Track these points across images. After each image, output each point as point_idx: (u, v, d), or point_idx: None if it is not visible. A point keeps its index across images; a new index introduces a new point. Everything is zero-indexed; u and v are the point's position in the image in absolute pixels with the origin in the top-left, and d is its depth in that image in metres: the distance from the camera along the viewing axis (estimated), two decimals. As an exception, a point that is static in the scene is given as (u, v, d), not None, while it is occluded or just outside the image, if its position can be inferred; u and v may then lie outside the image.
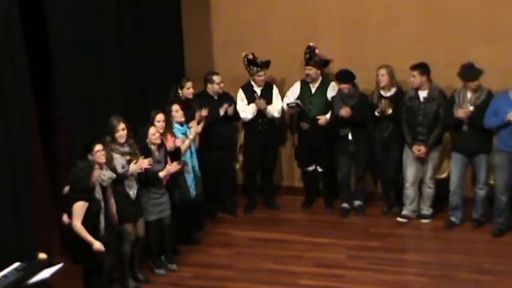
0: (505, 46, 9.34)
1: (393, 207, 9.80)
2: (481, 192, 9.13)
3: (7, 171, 7.01)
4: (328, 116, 9.65)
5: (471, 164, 9.18)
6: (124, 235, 7.94)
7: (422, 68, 9.08)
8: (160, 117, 8.26)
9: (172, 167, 8.23)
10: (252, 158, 10.01)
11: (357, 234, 9.29)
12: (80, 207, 7.10)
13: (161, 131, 8.22)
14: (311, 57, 9.63)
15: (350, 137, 9.53)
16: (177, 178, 8.49)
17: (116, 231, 7.82)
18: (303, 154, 10.05)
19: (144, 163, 7.83)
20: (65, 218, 7.31)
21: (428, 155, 9.24)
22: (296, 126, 10.10)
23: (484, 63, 8.86)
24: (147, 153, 8.00)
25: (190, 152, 8.82)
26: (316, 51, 9.62)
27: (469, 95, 8.92)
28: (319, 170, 10.01)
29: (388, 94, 9.38)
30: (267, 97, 9.79)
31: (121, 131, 7.78)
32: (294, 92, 9.87)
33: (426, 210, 9.53)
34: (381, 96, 9.35)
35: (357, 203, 9.95)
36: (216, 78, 9.49)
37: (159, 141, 8.14)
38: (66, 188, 7.42)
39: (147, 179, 8.03)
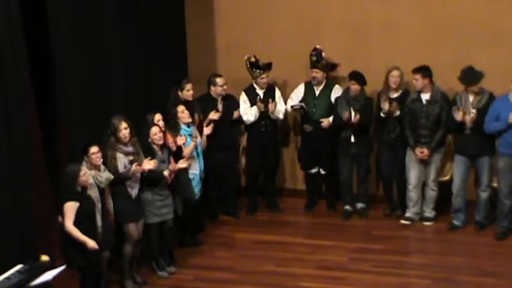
0: (508, 49, 9.32)
1: (395, 210, 9.79)
2: (484, 195, 9.13)
3: (8, 171, 7.01)
4: (331, 118, 9.65)
5: (474, 167, 9.17)
6: (127, 235, 7.94)
7: (424, 70, 9.08)
8: (158, 116, 8.30)
9: (176, 165, 8.21)
10: (254, 160, 10.01)
11: (359, 236, 9.29)
12: (70, 208, 7.09)
13: (162, 129, 8.25)
14: (318, 60, 9.63)
15: (353, 139, 9.52)
16: (180, 179, 8.49)
17: (114, 231, 7.78)
18: (306, 156, 10.05)
19: (149, 164, 7.83)
20: (60, 218, 7.29)
21: (431, 157, 9.24)
22: (299, 129, 10.10)
23: (486, 65, 8.87)
24: (150, 153, 8.00)
25: (197, 154, 8.82)
26: (323, 54, 9.62)
27: (470, 98, 8.91)
28: (322, 172, 10.01)
29: (395, 95, 9.38)
30: (270, 99, 9.79)
31: (123, 130, 7.79)
32: (298, 94, 9.87)
33: (429, 212, 9.52)
34: (389, 98, 9.34)
35: (359, 205, 9.94)
36: (219, 80, 9.50)
37: (161, 142, 8.14)
38: None
39: (151, 178, 8.02)
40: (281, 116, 9.87)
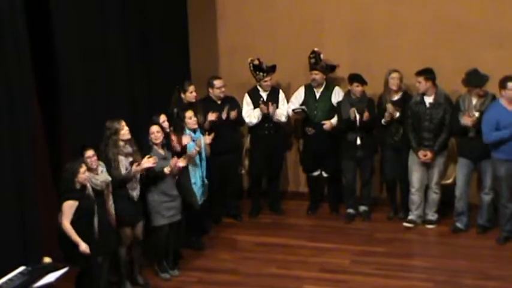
0: (511, 51, 9.33)
1: (398, 213, 9.79)
2: (487, 198, 9.11)
3: (12, 173, 7.01)
4: (333, 121, 9.66)
5: (477, 170, 9.16)
6: (121, 238, 7.92)
7: (428, 73, 9.07)
8: (163, 117, 8.32)
9: (177, 160, 8.20)
10: (257, 162, 10.02)
11: (362, 239, 9.29)
12: (68, 206, 7.10)
13: (166, 130, 8.26)
14: (317, 62, 9.65)
15: (359, 141, 9.52)
16: (182, 183, 8.49)
17: (115, 233, 7.77)
18: (308, 159, 10.05)
19: (148, 162, 7.83)
20: (60, 216, 7.29)
21: (434, 160, 9.23)
22: (301, 131, 10.10)
23: (490, 68, 8.86)
24: (150, 151, 8.01)
25: (200, 159, 8.81)
26: (321, 56, 9.63)
27: (474, 100, 8.90)
28: (324, 175, 10.01)
29: (396, 98, 9.38)
30: (273, 102, 9.80)
31: (124, 131, 7.77)
32: (298, 98, 9.88)
33: (432, 215, 9.52)
34: (389, 101, 9.36)
35: (362, 208, 9.94)
36: (216, 82, 9.50)
37: (158, 141, 8.12)
38: None
39: (154, 176, 8.02)
40: (283, 119, 9.87)
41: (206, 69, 10.17)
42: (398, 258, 8.72)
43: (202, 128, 9.02)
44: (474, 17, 9.41)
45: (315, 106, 9.76)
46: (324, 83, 9.79)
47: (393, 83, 9.33)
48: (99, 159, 7.56)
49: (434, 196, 9.45)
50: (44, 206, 7.56)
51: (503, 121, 8.59)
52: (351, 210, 9.91)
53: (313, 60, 9.67)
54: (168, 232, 8.29)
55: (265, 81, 9.77)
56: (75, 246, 7.10)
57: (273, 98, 9.84)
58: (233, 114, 9.52)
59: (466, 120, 8.82)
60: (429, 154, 9.17)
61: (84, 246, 7.09)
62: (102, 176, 7.55)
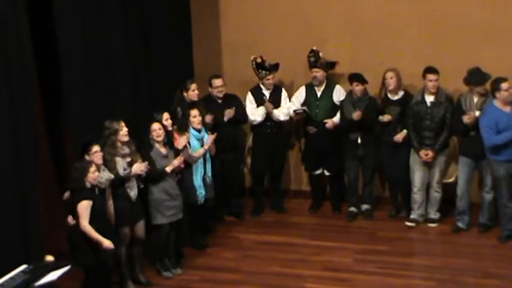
0: (513, 50, 9.34)
1: (401, 211, 9.80)
2: (488, 196, 9.11)
3: (13, 172, 7.03)
4: (335, 119, 9.67)
5: (478, 168, 9.16)
6: (120, 237, 7.92)
7: (437, 72, 9.03)
8: (166, 115, 8.33)
9: (178, 160, 8.21)
10: (259, 161, 10.03)
11: (364, 238, 9.30)
12: (84, 207, 7.11)
13: (168, 128, 8.28)
14: (317, 60, 9.65)
15: (359, 140, 9.53)
16: (184, 182, 8.51)
17: (115, 233, 7.78)
18: (310, 158, 10.06)
19: (139, 167, 7.81)
20: (70, 219, 7.31)
21: (436, 159, 9.23)
22: (303, 130, 10.11)
23: (491, 67, 8.84)
24: (151, 150, 8.01)
25: (204, 159, 8.83)
26: (320, 54, 9.64)
27: (475, 99, 8.90)
28: (326, 173, 10.02)
29: (396, 98, 9.38)
30: (276, 100, 9.81)
31: (123, 131, 7.77)
32: (299, 97, 9.88)
33: (433, 214, 9.52)
34: (387, 100, 9.36)
35: (364, 207, 9.95)
36: (214, 81, 9.49)
37: (160, 138, 8.13)
38: (67, 194, 7.45)
39: (154, 174, 8.03)
40: (282, 118, 9.85)
41: (209, 67, 10.17)
42: (400, 256, 8.73)
43: (206, 127, 9.04)
44: (475, 16, 9.40)
45: (317, 105, 9.77)
46: (325, 81, 9.79)
47: (388, 83, 9.32)
48: None
49: (436, 195, 9.45)
50: (45, 204, 7.59)
51: (501, 123, 8.59)
52: (353, 209, 9.92)
53: (312, 59, 9.68)
54: (168, 231, 8.31)
55: (268, 79, 9.77)
56: (89, 245, 7.10)
57: (276, 97, 9.85)
58: (230, 112, 9.46)
59: (465, 119, 8.82)
60: (430, 153, 9.17)
61: (107, 243, 7.13)
62: (106, 173, 7.56)
